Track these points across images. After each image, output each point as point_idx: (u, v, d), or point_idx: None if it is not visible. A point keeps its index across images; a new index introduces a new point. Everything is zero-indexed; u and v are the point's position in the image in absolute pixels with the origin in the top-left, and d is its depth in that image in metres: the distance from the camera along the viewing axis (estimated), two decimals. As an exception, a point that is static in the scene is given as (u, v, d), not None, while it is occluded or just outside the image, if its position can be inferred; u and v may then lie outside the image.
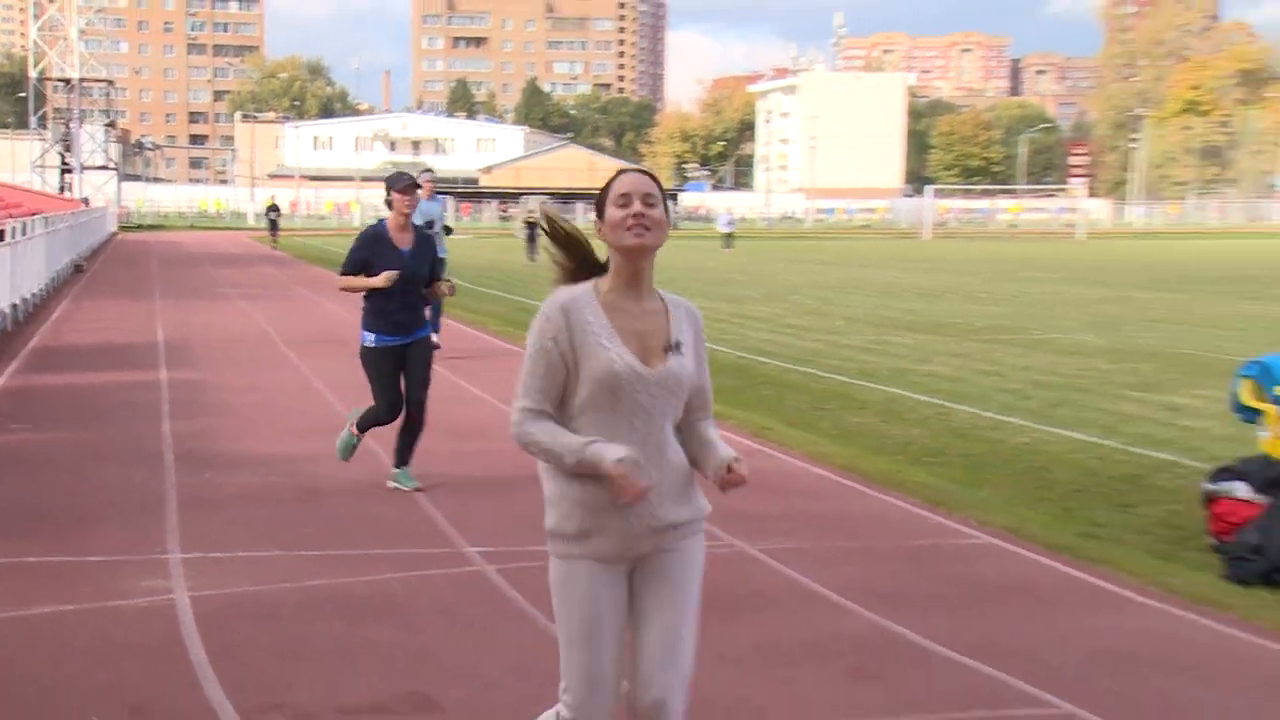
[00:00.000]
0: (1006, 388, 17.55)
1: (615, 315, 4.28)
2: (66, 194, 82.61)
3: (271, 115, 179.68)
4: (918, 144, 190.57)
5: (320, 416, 14.90)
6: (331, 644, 7.30)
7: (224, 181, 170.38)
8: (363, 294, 10.89)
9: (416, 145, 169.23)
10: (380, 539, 9.59)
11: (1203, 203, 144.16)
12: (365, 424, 10.94)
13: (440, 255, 13.33)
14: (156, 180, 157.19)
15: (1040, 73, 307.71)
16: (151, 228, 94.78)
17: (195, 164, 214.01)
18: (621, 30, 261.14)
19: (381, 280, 10.53)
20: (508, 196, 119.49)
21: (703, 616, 7.87)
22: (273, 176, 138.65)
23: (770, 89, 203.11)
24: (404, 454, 11.00)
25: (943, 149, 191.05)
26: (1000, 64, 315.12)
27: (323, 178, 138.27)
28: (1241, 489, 9.24)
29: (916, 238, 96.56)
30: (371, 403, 11.01)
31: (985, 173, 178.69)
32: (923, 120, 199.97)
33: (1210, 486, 9.59)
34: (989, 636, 7.52)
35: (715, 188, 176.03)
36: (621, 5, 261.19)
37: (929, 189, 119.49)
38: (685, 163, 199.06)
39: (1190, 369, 19.50)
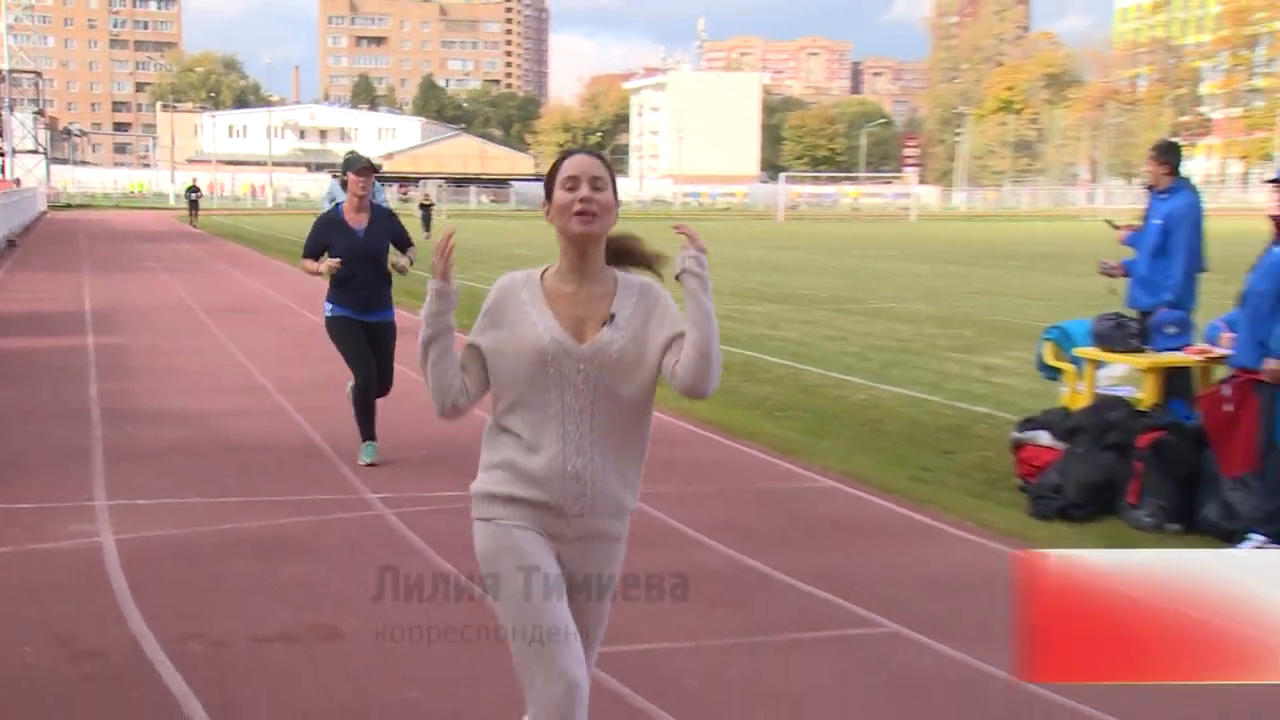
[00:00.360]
0: (848, 351, 17.71)
1: (555, 298, 3.82)
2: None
3: (190, 106, 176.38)
4: (771, 136, 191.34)
5: (235, 378, 14.85)
6: (245, 581, 7.27)
7: (146, 166, 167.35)
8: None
9: (323, 134, 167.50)
10: (290, 487, 9.55)
11: (1016, 189, 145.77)
12: (358, 414, 10.26)
13: None
14: (83, 164, 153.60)
15: (877, 74, 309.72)
16: (80, 207, 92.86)
17: (119, 149, 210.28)
18: (509, 32, 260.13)
19: (322, 268, 9.79)
20: (407, 180, 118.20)
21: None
22: (191, 161, 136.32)
23: (642, 86, 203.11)
24: (366, 428, 10.26)
25: (793, 140, 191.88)
26: (842, 66, 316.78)
27: (237, 163, 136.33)
28: (1044, 437, 9.44)
29: (772, 219, 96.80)
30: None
31: (830, 162, 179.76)
32: (776, 115, 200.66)
33: (1018, 435, 9.76)
34: (828, 567, 7.62)
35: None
36: (508, 9, 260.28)
37: (782, 176, 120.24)
38: (567, 148, 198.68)
39: (1003, 334, 19.74)
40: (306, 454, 10.76)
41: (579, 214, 3.72)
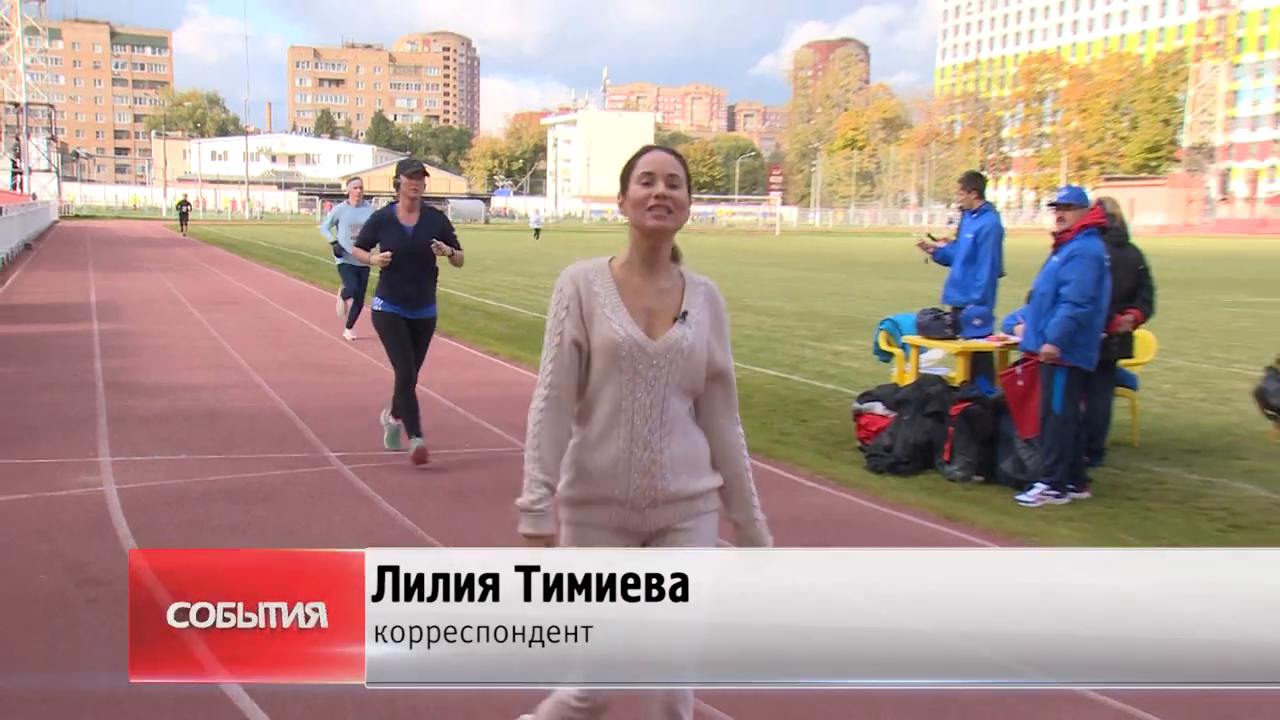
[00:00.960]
0: (759, 343, 17.72)
1: (626, 289, 3.22)
2: (18, 190, 79.29)
3: (179, 134, 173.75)
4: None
5: (218, 356, 14.65)
6: (226, 521, 7.24)
7: (143, 184, 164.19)
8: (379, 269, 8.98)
9: (291, 158, 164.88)
10: (263, 447, 9.44)
11: (859, 211, 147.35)
12: (405, 413, 9.02)
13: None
14: (89, 182, 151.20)
15: (749, 116, 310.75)
16: (86, 217, 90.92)
17: (120, 170, 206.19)
18: (446, 76, 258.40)
19: (374, 259, 8.77)
20: (366, 197, 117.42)
21: (501, 504, 7.91)
22: (181, 180, 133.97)
23: (556, 121, 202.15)
24: (412, 424, 8.99)
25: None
26: (720, 108, 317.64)
27: (220, 181, 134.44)
28: (879, 407, 9.51)
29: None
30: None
31: (710, 186, 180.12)
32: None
33: (857, 406, 9.85)
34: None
35: (516, 193, 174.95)
36: (446, 57, 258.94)
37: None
38: (494, 174, 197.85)
39: (848, 326, 19.88)
40: (277, 420, 10.65)
41: (653, 209, 3.19)
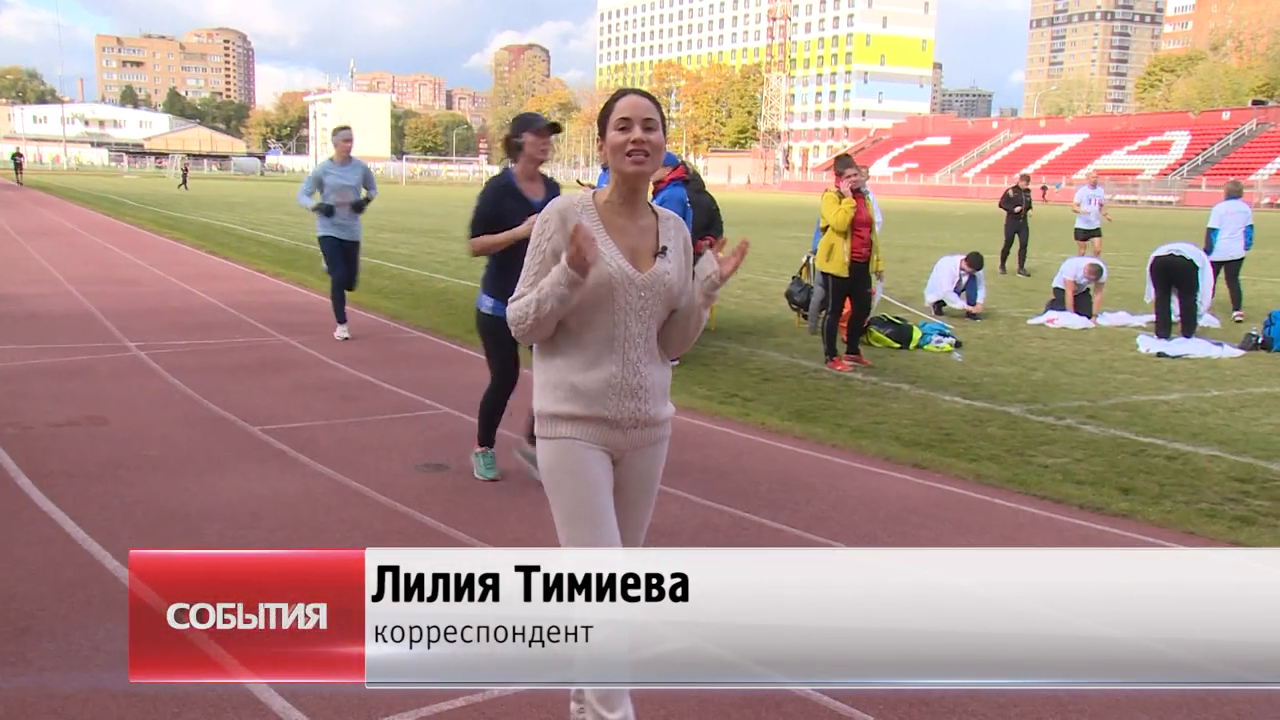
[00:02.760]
0: (437, 259, 17.47)
1: (610, 226, 2.55)
2: None
3: (3, 101, 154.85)
4: (397, 133, 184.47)
5: (36, 272, 13.44)
6: (45, 392, 6.79)
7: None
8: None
9: (101, 123, 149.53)
10: (75, 339, 8.83)
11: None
12: (486, 415, 5.32)
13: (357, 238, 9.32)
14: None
15: (462, 99, 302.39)
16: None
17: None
18: (227, 62, 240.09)
19: (525, 228, 4.82)
20: (161, 155, 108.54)
21: (259, 376, 7.73)
22: (7, 139, 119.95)
23: (315, 99, 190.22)
24: (489, 433, 5.35)
25: (411, 136, 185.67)
26: (441, 92, 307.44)
27: (40, 139, 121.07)
28: None
29: (399, 184, 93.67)
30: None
31: (435, 150, 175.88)
32: (399, 120, 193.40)
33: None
34: (412, 378, 7.59)
35: (285, 154, 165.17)
36: (226, 47, 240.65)
37: (404, 158, 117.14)
38: (268, 139, 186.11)
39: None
40: (86, 319, 9.90)
41: (631, 154, 2.48)
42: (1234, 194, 12.88)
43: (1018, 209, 17.18)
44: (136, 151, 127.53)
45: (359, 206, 9.17)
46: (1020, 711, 2.95)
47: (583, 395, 2.51)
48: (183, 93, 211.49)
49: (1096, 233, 16.75)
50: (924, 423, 6.59)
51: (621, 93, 2.53)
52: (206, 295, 11.99)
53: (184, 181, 55.74)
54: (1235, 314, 12.12)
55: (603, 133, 2.53)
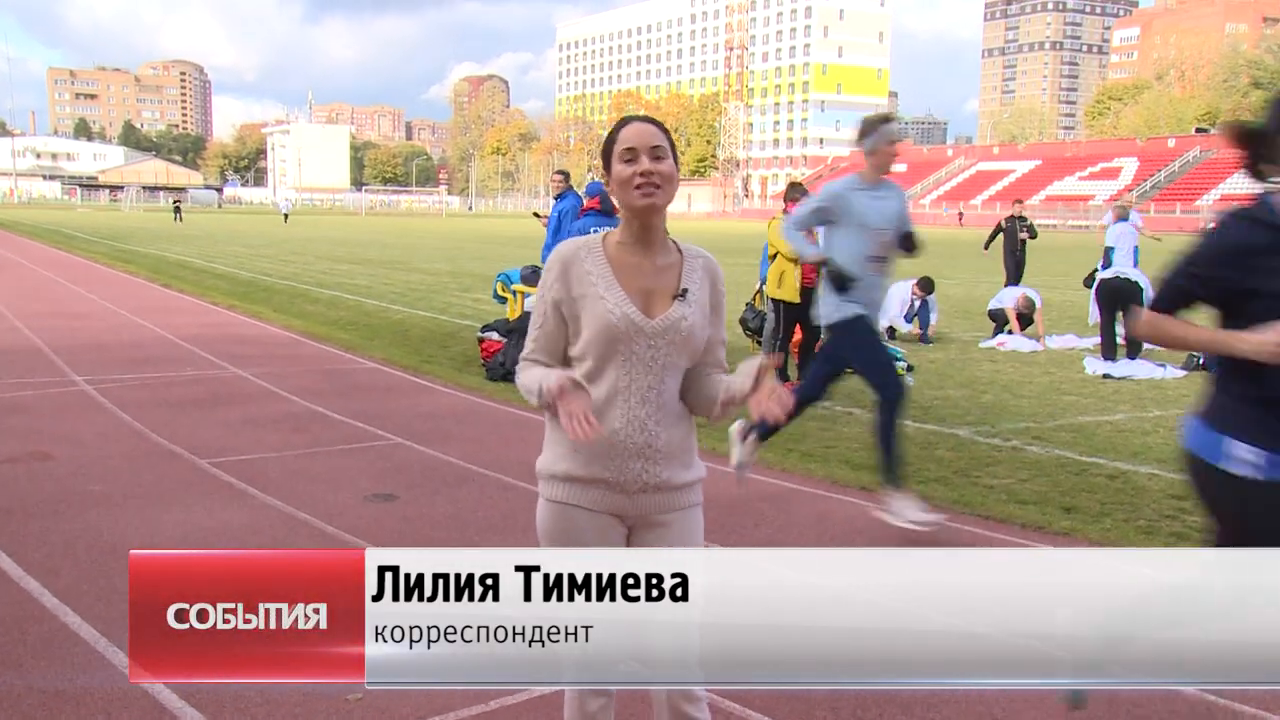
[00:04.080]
0: (394, 290, 17.49)
1: (621, 267, 2.23)
2: None
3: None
4: (357, 165, 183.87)
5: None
6: (-14, 430, 6.67)
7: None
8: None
9: (54, 156, 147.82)
10: (22, 373, 8.69)
11: (504, 200, 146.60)
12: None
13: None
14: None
15: (422, 129, 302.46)
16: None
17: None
18: (183, 93, 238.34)
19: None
20: (116, 188, 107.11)
21: (209, 409, 7.67)
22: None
23: (274, 131, 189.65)
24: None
25: (371, 167, 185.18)
26: (400, 123, 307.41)
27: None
28: (495, 335, 9.60)
29: (358, 215, 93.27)
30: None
31: (396, 180, 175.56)
32: (359, 152, 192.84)
33: (481, 334, 9.98)
34: (364, 409, 7.66)
35: (244, 185, 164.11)
36: (183, 79, 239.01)
37: (364, 189, 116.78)
38: (225, 170, 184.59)
39: (484, 280, 19.92)
40: (32, 354, 9.75)
41: (640, 188, 2.19)
42: (1123, 217, 14.00)
43: (1022, 237, 15.71)
44: (90, 184, 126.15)
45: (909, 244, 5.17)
46: (948, 713, 2.99)
47: (581, 454, 2.23)
48: (138, 125, 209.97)
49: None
50: (874, 446, 6.66)
51: (625, 121, 2.27)
52: (158, 329, 11.87)
53: (178, 215, 55.20)
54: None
55: (608, 166, 2.24)
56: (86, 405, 7.57)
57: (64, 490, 5.33)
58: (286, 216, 62.62)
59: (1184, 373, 9.95)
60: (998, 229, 16.17)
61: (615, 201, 2.25)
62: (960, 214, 65.47)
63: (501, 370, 9.04)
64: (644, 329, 2.19)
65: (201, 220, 54.90)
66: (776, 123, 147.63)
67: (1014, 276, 15.77)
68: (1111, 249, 13.69)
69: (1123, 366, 9.93)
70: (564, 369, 2.20)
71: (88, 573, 4.14)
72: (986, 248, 16.09)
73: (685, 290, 2.23)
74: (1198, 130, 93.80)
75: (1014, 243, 15.80)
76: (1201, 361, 10.18)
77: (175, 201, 59.70)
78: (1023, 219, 15.89)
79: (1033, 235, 15.90)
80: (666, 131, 2.24)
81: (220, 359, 9.85)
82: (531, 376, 2.22)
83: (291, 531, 4.74)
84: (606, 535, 2.23)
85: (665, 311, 2.21)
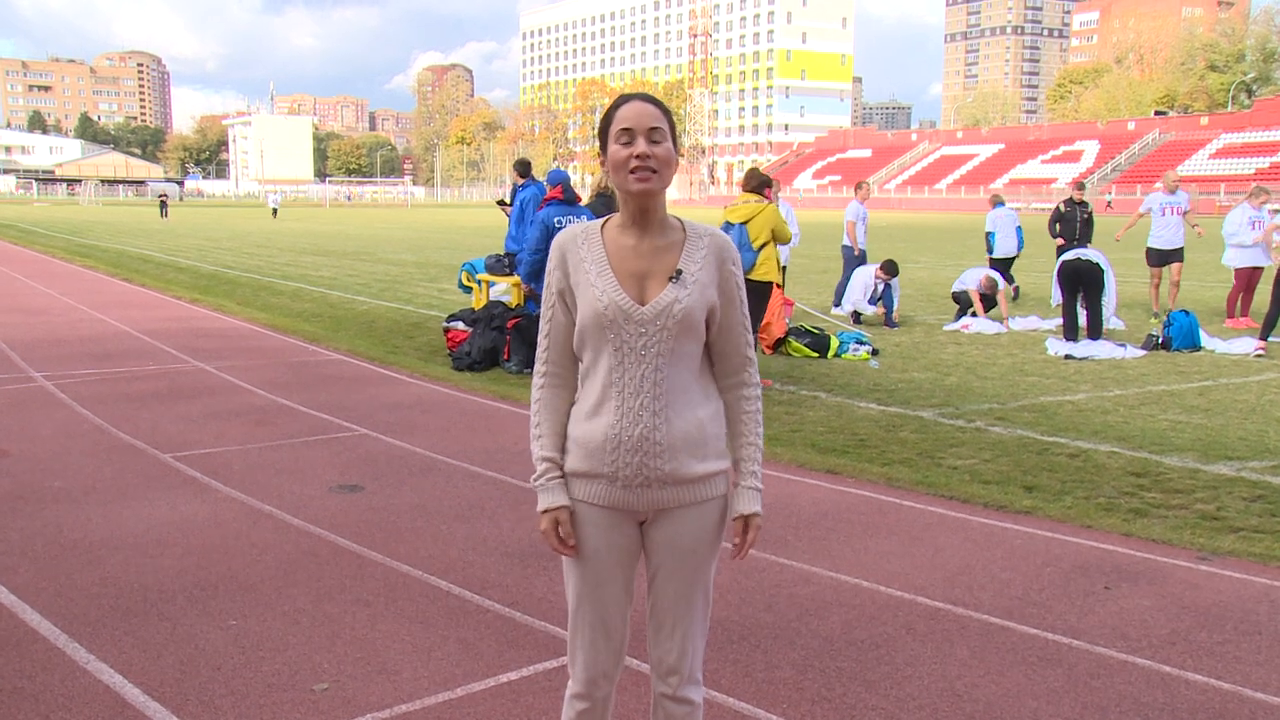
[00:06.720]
0: (359, 282, 17.36)
1: (616, 251, 2.09)
2: None
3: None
4: (320, 155, 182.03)
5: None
6: (-59, 428, 6.55)
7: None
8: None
9: (8, 149, 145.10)
10: (-23, 371, 8.57)
11: (470, 190, 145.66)
12: None
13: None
14: None
15: (385, 119, 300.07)
16: None
17: None
18: (141, 85, 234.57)
19: None
20: (74, 181, 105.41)
21: (171, 403, 7.58)
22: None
23: (235, 123, 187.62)
24: None
25: (334, 158, 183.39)
26: (364, 114, 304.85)
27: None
28: (460, 324, 9.61)
29: (321, 207, 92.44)
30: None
31: (359, 171, 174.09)
32: (322, 142, 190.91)
33: (446, 324, 9.93)
34: (329, 400, 7.60)
35: (205, 178, 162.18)
36: (140, 70, 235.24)
37: (327, 180, 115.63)
38: (186, 163, 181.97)
39: (450, 270, 19.84)
40: (-9, 351, 9.64)
41: (636, 171, 2.04)
42: (999, 203, 15.24)
43: (1083, 219, 14.74)
44: (47, 178, 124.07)
45: None
46: (918, 704, 3.03)
47: (581, 448, 2.11)
48: (95, 117, 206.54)
49: (1177, 255, 13.36)
50: (839, 429, 6.71)
51: (623, 99, 2.10)
52: (119, 323, 11.72)
53: (164, 212, 54.03)
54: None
55: (604, 146, 2.09)
56: (45, 401, 7.46)
57: (21, 487, 5.25)
58: (275, 211, 59.11)
59: (1144, 352, 10.09)
60: (1057, 213, 15.05)
61: (610, 183, 2.13)
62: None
63: (467, 360, 9.05)
64: (632, 316, 2.04)
65: (187, 215, 54.10)
66: (742, 109, 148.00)
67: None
68: (992, 234, 14.82)
69: (1084, 347, 10.05)
70: (558, 496, 2.11)
71: (47, 569, 4.09)
72: (1055, 235, 14.73)
73: (679, 272, 2.07)
74: (1156, 113, 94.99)
75: (1071, 229, 14.74)
76: (1160, 340, 10.34)
77: (162, 197, 58.55)
78: (1083, 204, 14.92)
79: (1090, 222, 14.81)
80: (666, 111, 2.10)
81: (182, 353, 9.74)
82: (536, 429, 2.16)
83: (255, 524, 4.70)
84: (612, 529, 2.11)
85: (657, 295, 2.06)
